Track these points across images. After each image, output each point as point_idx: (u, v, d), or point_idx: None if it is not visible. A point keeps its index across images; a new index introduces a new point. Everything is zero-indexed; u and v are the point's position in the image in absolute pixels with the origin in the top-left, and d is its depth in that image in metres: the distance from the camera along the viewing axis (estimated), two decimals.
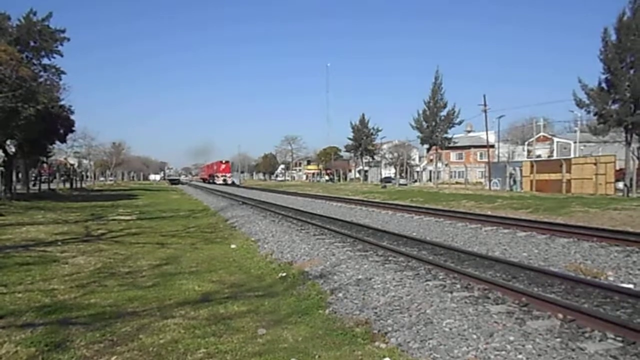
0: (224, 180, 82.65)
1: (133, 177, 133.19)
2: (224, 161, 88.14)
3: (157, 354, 5.27)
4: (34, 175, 43.69)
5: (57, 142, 37.85)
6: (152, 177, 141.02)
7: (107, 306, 7.17)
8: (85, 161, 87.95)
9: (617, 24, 30.07)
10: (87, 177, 69.05)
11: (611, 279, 8.37)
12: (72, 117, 34.40)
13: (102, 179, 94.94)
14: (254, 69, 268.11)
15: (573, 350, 4.86)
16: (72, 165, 70.91)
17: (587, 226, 14.11)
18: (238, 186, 76.26)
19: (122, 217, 21.20)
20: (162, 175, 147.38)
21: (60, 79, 33.29)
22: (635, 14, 29.40)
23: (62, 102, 32.34)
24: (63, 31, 32.15)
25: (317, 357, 5.23)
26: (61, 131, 33.99)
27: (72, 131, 37.75)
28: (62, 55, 32.61)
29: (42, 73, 31.98)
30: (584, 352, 4.80)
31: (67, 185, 48.51)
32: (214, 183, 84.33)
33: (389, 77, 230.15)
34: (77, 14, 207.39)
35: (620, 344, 5.00)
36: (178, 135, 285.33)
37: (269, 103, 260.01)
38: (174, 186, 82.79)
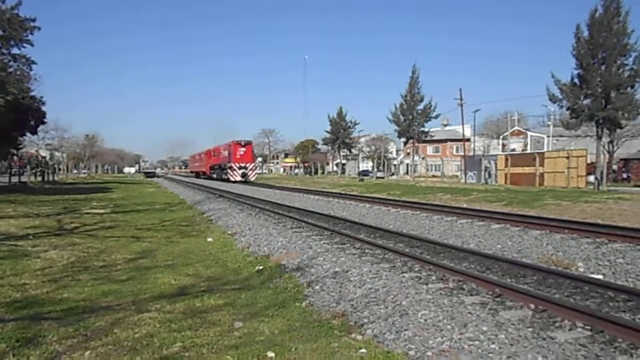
0: (244, 175, 50.99)
1: (107, 170, 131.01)
2: (243, 142, 52.92)
3: (132, 349, 5.22)
4: (3, 167, 42.58)
5: (28, 134, 36.97)
6: (126, 170, 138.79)
7: (81, 301, 7.07)
8: (57, 153, 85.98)
9: (589, 20, 30.66)
10: (59, 169, 67.62)
11: (581, 269, 8.58)
12: (44, 108, 33.66)
13: (75, 171, 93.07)
14: (230, 63, 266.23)
15: (544, 339, 4.97)
16: (43, 157, 69.27)
17: (559, 218, 14.41)
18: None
19: (96, 211, 20.85)
20: (137, 168, 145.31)
21: (31, 69, 32.46)
22: (606, 11, 30.00)
23: (32, 93, 31.57)
24: (33, 20, 31.24)
25: (293, 349, 5.25)
26: (32, 122, 33.20)
27: (44, 123, 36.92)
28: (32, 45, 31.70)
29: (11, 63, 31.09)
30: (554, 341, 4.92)
31: (39, 178, 47.39)
32: (222, 180, 53.52)
33: (366, 71, 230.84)
34: (49, 6, 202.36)
35: (589, 333, 5.14)
36: (154, 128, 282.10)
37: (246, 96, 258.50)
38: (149, 179, 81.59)
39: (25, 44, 31.49)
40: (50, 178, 50.65)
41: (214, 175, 60.63)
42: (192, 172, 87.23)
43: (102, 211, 20.87)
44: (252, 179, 51.50)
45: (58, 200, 26.21)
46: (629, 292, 6.64)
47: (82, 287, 7.88)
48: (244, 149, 51.83)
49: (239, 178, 50.02)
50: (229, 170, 51.33)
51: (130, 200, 28.72)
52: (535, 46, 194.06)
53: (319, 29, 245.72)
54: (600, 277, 7.92)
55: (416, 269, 8.35)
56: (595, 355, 4.55)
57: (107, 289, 7.74)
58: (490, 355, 4.71)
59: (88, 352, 5.11)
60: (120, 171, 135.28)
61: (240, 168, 51.09)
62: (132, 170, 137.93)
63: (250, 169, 52.14)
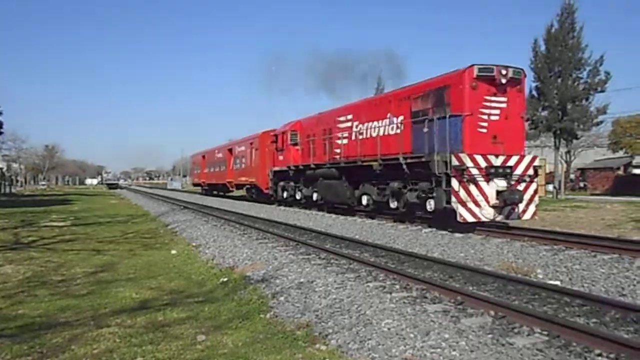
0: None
1: (68, 181, 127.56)
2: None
3: None
4: None
5: None
6: (88, 181, 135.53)
7: (37, 317, 6.84)
8: (15, 165, 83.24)
9: (545, 35, 31.79)
10: (17, 181, 65.43)
11: (540, 276, 8.82)
12: (0, 118, 32.55)
13: (33, 183, 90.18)
14: (198, 74, 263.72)
15: (503, 345, 5.08)
16: (0, 169, 66.95)
17: (519, 227, 14.79)
18: (181, 191, 65.26)
19: (56, 224, 20.25)
20: (99, 179, 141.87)
21: None
22: (561, 26, 31.20)
23: None
24: None
25: None
26: None
27: (0, 133, 35.69)
28: None
29: None
30: (512, 346, 5.03)
31: None
32: (263, 198, 30.22)
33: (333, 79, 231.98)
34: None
35: (546, 338, 5.29)
36: (117, 139, 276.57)
37: (213, 105, 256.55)
38: (112, 191, 79.73)
39: None
40: (7, 190, 48.91)
41: (250, 192, 33.13)
42: (202, 185, 48.24)
43: (61, 224, 20.28)
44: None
45: (15, 212, 25.35)
46: (584, 297, 6.86)
47: (38, 302, 7.63)
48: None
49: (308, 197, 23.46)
50: (280, 188, 26.53)
51: (91, 212, 28.01)
52: (501, 56, 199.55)
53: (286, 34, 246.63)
54: (557, 283, 8.16)
55: (381, 279, 8.42)
56: (551, 359, 4.68)
57: (65, 304, 7.52)
58: None
59: None
60: (82, 183, 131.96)
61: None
62: (95, 181, 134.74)
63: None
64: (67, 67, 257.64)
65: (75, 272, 10.10)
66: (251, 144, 31.61)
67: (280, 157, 25.68)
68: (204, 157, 46.74)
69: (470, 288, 7.65)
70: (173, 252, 13.14)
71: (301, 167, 23.25)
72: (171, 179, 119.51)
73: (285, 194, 25.82)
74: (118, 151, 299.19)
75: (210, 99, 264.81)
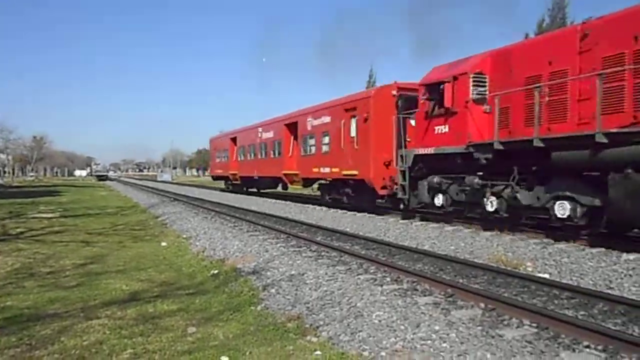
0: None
1: (57, 173, 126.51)
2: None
3: (80, 357, 5.06)
4: None
5: None
6: (77, 172, 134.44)
7: (25, 308, 6.79)
8: (2, 156, 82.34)
9: (537, 29, 31.92)
10: (4, 172, 64.77)
11: (529, 269, 8.88)
12: None
13: (21, 174, 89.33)
14: (187, 65, 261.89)
15: (492, 337, 5.12)
16: None
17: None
18: (171, 183, 65.24)
19: (44, 215, 20.08)
20: (88, 171, 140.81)
21: None
22: (553, 21, 31.35)
23: None
24: None
25: (248, 353, 5.20)
26: None
27: None
28: None
29: None
30: (502, 338, 5.07)
31: None
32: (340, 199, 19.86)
33: (324, 71, 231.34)
34: None
35: (535, 330, 5.33)
36: (106, 130, 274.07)
37: (202, 98, 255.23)
38: (102, 182, 79.18)
39: None
40: None
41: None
42: (222, 177, 38.36)
43: (50, 215, 20.12)
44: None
45: (2, 204, 25.10)
46: (572, 290, 6.92)
47: (27, 294, 7.57)
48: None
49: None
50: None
51: (80, 204, 27.81)
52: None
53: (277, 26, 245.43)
54: (546, 275, 8.22)
55: (371, 271, 8.44)
56: (540, 351, 4.72)
57: (54, 296, 7.47)
58: (442, 353, 4.82)
59: None
60: (70, 174, 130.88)
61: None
62: (84, 173, 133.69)
63: None
64: (56, 58, 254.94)
65: (65, 264, 10.03)
66: (347, 111, 18.82)
67: (441, 129, 13.69)
68: (234, 139, 33.67)
69: (461, 280, 7.69)
70: (163, 244, 13.08)
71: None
72: (161, 171, 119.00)
73: (441, 200, 14.17)
74: (107, 143, 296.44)
75: (201, 90, 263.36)
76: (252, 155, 30.03)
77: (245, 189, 33.79)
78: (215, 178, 40.64)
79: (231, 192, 35.65)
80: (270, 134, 27.50)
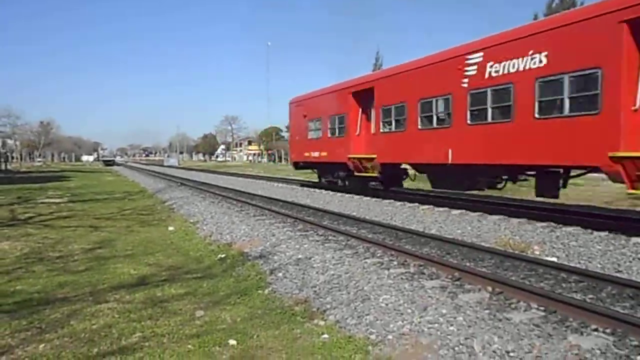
0: None
1: (64, 158, 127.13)
2: None
3: (90, 340, 5.10)
4: None
5: None
6: (84, 158, 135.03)
7: (35, 293, 6.86)
8: (10, 141, 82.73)
9: (546, 10, 31.45)
10: (12, 158, 65.16)
11: (537, 253, 8.85)
12: None
13: (29, 160, 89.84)
14: (193, 51, 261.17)
15: (500, 320, 5.11)
16: None
17: (516, 204, 14.81)
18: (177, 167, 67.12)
19: (52, 200, 20.21)
20: (95, 156, 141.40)
21: None
22: (562, 1, 30.84)
23: None
24: None
25: (255, 336, 5.23)
26: None
27: None
28: None
29: None
30: (509, 322, 5.06)
31: None
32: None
33: (329, 55, 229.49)
34: None
35: (543, 313, 5.32)
36: (113, 115, 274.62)
37: (209, 83, 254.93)
38: (108, 168, 79.51)
39: None
40: (3, 167, 48.74)
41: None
42: (311, 163, 23.32)
43: (58, 200, 20.24)
44: None
45: (11, 189, 25.27)
46: (580, 273, 6.89)
47: (36, 278, 7.64)
48: None
49: None
50: None
51: (88, 189, 27.95)
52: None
53: (282, 12, 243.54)
54: (554, 259, 8.19)
55: (378, 255, 8.44)
56: (548, 334, 4.71)
57: (63, 280, 7.53)
58: (449, 337, 4.82)
59: (42, 345, 4.96)
60: (78, 159, 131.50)
61: None
62: (91, 158, 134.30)
63: None
64: (61, 43, 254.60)
65: (73, 249, 10.10)
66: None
67: None
68: (364, 94, 18.25)
69: (468, 264, 7.68)
70: (170, 228, 13.14)
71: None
72: (167, 156, 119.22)
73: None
74: (114, 128, 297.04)
75: (207, 74, 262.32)
76: (391, 127, 16.42)
77: (364, 183, 19.30)
78: (298, 165, 24.95)
79: (336, 190, 20.98)
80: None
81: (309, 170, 25.46)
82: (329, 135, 20.36)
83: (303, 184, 26.38)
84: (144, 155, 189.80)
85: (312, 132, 22.13)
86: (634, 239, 8.85)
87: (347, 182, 20.35)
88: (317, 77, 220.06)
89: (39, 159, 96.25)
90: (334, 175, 21.17)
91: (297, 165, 25.27)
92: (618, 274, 7.11)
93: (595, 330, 4.81)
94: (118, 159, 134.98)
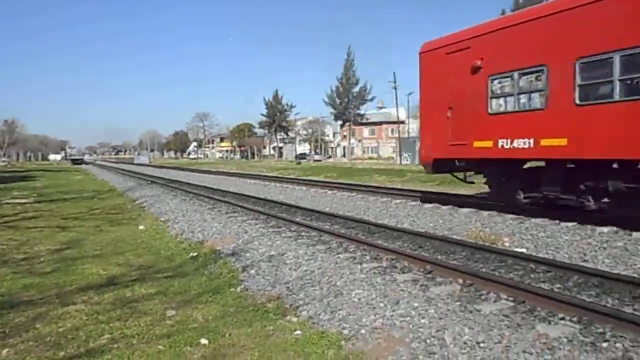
0: None
1: (30, 157, 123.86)
2: None
3: (56, 343, 4.97)
4: None
5: None
6: (52, 157, 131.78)
7: None
8: None
9: (513, 6, 31.94)
10: None
11: (507, 244, 9.00)
12: None
13: None
14: (168, 51, 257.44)
15: (471, 312, 5.18)
16: None
17: (485, 197, 15.05)
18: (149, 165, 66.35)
19: (17, 201, 19.64)
20: (63, 155, 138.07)
21: None
22: None
23: None
24: None
25: (227, 335, 5.18)
26: None
27: None
28: None
29: None
30: (480, 313, 5.13)
31: None
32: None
33: (301, 51, 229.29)
34: None
35: (512, 304, 5.41)
36: (81, 114, 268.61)
37: (179, 79, 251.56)
38: (77, 166, 77.65)
39: None
40: None
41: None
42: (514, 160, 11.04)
43: (24, 201, 19.69)
44: None
45: None
46: (548, 263, 7.03)
47: (0, 281, 7.40)
48: None
49: None
50: None
51: (55, 188, 27.27)
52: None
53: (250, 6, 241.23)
54: (523, 250, 8.35)
55: (351, 250, 8.45)
56: (517, 324, 4.79)
57: (28, 283, 7.31)
58: (421, 329, 4.85)
59: (6, 349, 4.80)
60: (45, 158, 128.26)
61: None
62: (58, 157, 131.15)
63: None
64: (28, 42, 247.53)
65: (39, 250, 9.83)
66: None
67: None
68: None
69: (439, 257, 7.76)
70: (141, 227, 12.91)
71: None
72: (138, 154, 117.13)
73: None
74: (83, 126, 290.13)
75: (178, 73, 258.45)
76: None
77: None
78: (454, 167, 13.11)
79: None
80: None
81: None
82: (578, 101, 9.45)
83: (276, 180, 26.30)
84: (113, 153, 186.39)
85: (506, 99, 11.26)
86: (599, 229, 9.09)
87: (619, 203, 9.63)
88: (290, 73, 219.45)
89: (3, 159, 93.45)
90: (582, 187, 10.05)
91: (436, 166, 13.20)
92: (584, 263, 7.28)
93: (562, 319, 4.91)
94: (87, 157, 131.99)
